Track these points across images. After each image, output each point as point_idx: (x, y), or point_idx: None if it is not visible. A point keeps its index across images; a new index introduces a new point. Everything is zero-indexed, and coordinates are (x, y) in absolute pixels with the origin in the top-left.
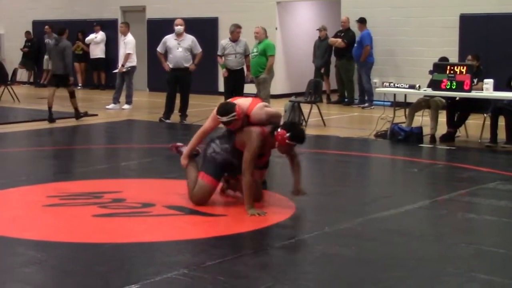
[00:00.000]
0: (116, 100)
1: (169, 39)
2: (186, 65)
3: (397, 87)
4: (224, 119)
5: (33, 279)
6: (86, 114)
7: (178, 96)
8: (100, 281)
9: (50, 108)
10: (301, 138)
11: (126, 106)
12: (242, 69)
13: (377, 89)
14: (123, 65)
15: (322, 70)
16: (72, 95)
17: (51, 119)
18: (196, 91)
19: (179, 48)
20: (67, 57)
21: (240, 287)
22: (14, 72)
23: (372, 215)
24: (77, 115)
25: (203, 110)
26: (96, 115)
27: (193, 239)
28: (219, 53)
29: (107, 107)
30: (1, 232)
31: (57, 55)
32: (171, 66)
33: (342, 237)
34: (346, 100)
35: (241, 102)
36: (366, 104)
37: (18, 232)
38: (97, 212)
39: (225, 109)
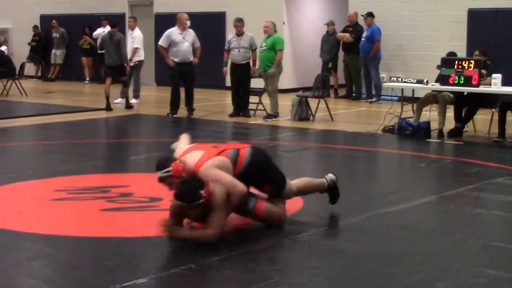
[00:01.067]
0: (123, 94)
1: (174, 33)
2: (191, 59)
3: (405, 82)
4: (158, 173)
5: (40, 273)
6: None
7: (182, 90)
8: (107, 275)
9: (107, 98)
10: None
11: (133, 101)
12: (248, 63)
13: (384, 83)
14: (130, 60)
15: (330, 65)
16: (124, 85)
17: (109, 109)
18: (203, 85)
19: (185, 42)
20: (122, 48)
21: (247, 281)
22: (22, 66)
23: (379, 210)
24: (128, 105)
25: (210, 104)
26: (104, 109)
27: None
28: (226, 47)
29: (115, 101)
30: (9, 226)
31: (113, 47)
32: (176, 60)
33: (350, 232)
34: (353, 94)
35: (189, 157)
36: (374, 99)
37: (25, 226)
38: (105, 207)
39: (160, 163)
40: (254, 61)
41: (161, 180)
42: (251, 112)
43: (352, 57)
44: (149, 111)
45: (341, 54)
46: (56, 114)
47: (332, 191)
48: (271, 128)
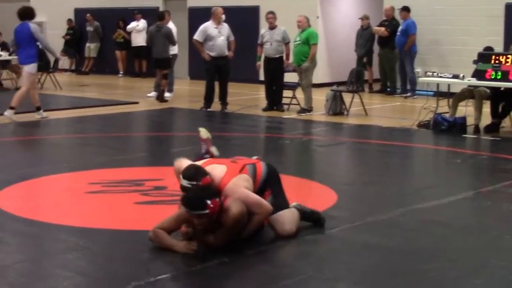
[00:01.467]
0: (157, 88)
1: (210, 28)
2: (227, 53)
3: (441, 76)
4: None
5: (74, 265)
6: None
7: (216, 85)
8: (141, 268)
9: (159, 88)
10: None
11: (167, 94)
12: (281, 57)
13: (420, 78)
14: None
15: (365, 59)
16: (165, 77)
17: (162, 100)
18: (237, 79)
19: (221, 36)
20: (171, 41)
21: (281, 276)
22: (56, 59)
23: (414, 206)
24: (162, 98)
25: (244, 98)
26: (137, 102)
27: None
28: (259, 41)
29: (149, 95)
30: (44, 218)
31: (161, 40)
32: (212, 54)
33: (384, 227)
34: (388, 89)
35: (214, 172)
36: (409, 94)
37: (61, 218)
38: (139, 200)
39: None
40: (288, 55)
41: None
42: (285, 107)
43: (387, 51)
44: (182, 105)
45: (376, 48)
46: (90, 107)
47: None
48: (305, 122)
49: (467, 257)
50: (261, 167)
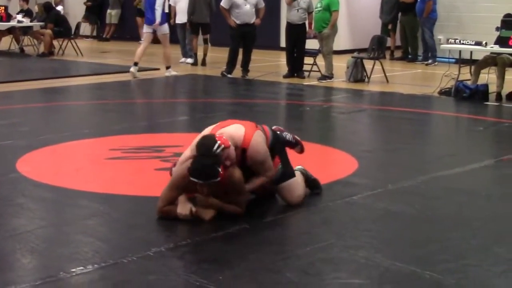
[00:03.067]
0: (187, 54)
1: None
2: (253, 20)
3: (463, 43)
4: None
5: (96, 231)
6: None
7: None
8: (161, 234)
9: (195, 54)
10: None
11: (189, 60)
12: (304, 24)
13: (442, 45)
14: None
15: (390, 26)
16: (205, 42)
17: (195, 63)
18: (258, 46)
19: (247, 4)
20: (213, 6)
21: (302, 243)
22: (78, 26)
23: (436, 173)
24: (204, 61)
25: (265, 65)
26: (158, 69)
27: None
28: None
29: (182, 60)
30: (65, 184)
31: (203, 5)
32: (238, 22)
33: (406, 195)
34: (409, 56)
35: (231, 131)
36: (430, 61)
37: (82, 184)
38: (159, 166)
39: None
40: (310, 24)
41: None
42: (306, 73)
43: (409, 18)
44: (203, 71)
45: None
46: (111, 74)
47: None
48: (326, 89)
49: (489, 225)
50: (268, 132)
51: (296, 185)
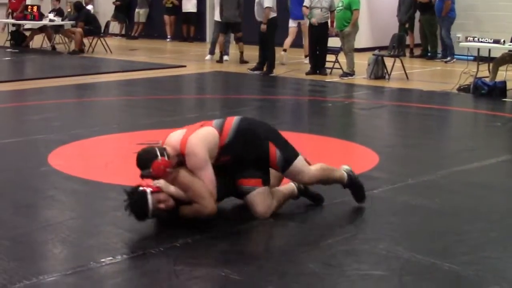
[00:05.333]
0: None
1: None
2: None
3: (481, 41)
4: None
5: (124, 223)
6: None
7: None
8: (188, 227)
9: (221, 52)
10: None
11: (225, 57)
12: (326, 23)
13: (461, 43)
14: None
15: (407, 25)
16: (240, 40)
17: (221, 61)
18: (280, 44)
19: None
20: (241, 5)
21: (324, 235)
22: (107, 24)
23: (455, 168)
24: (242, 59)
25: (288, 62)
26: (185, 66)
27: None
28: (305, 4)
29: (206, 58)
30: (95, 177)
31: (233, 3)
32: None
33: (425, 188)
34: (429, 54)
35: (173, 138)
36: (448, 58)
37: (111, 177)
38: None
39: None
40: (332, 22)
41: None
42: (328, 71)
43: (428, 17)
44: (230, 68)
45: (417, 13)
46: (139, 71)
47: (355, 187)
48: (347, 86)
49: (507, 218)
50: (232, 120)
51: (303, 166)
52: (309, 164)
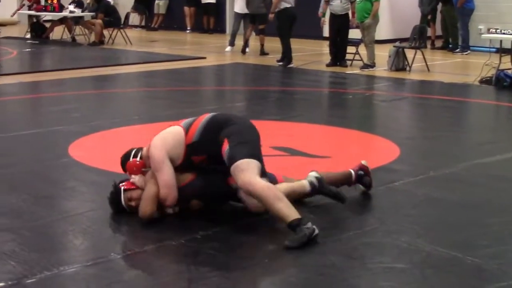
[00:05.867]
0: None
1: None
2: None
3: (504, 33)
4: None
5: None
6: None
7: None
8: (208, 219)
9: (245, 43)
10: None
11: (228, 48)
12: (347, 14)
13: (483, 35)
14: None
15: (429, 17)
16: (261, 32)
17: (244, 52)
18: (300, 35)
19: None
20: None
21: (345, 227)
22: (127, 16)
23: (476, 160)
24: (262, 51)
25: (308, 54)
26: (205, 58)
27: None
28: None
29: (226, 50)
30: (115, 168)
31: None
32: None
33: (447, 181)
34: (450, 46)
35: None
36: (458, 50)
37: None
38: None
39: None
40: (353, 13)
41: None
42: (348, 62)
43: (449, 8)
44: (249, 60)
45: (439, 5)
46: (159, 62)
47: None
48: (368, 78)
49: None
50: (203, 118)
51: (246, 170)
52: (291, 181)
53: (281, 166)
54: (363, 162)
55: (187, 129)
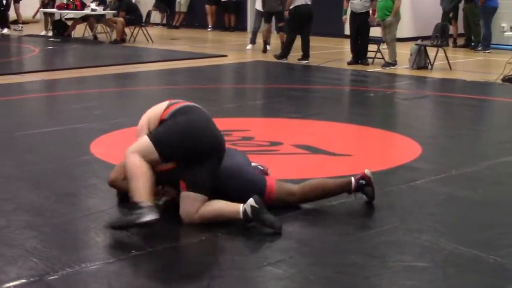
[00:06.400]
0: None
1: None
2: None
3: None
4: None
5: (166, 213)
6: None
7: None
8: None
9: (265, 41)
10: None
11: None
12: (367, 12)
13: (506, 33)
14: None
15: (451, 14)
16: (281, 30)
17: (265, 51)
18: (322, 33)
19: None
20: None
21: (366, 226)
22: (148, 14)
23: (499, 159)
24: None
25: (328, 52)
26: (226, 56)
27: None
28: None
29: (247, 47)
30: None
31: None
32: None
33: (469, 180)
34: (472, 44)
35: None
36: (480, 47)
37: None
38: None
39: None
40: (374, 11)
41: None
42: (370, 60)
43: (472, 5)
44: (270, 58)
45: (462, 2)
46: (180, 60)
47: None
48: (389, 76)
49: None
50: (171, 108)
51: (137, 144)
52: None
53: (302, 164)
54: (366, 171)
55: (168, 106)
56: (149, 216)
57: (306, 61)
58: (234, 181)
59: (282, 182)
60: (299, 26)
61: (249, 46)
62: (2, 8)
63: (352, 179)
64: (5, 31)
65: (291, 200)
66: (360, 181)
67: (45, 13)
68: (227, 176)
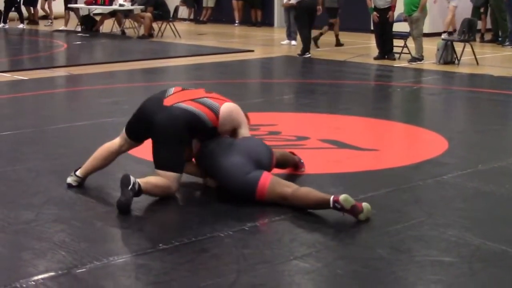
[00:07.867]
0: (290, 37)
1: None
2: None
3: None
4: None
5: (193, 206)
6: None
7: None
8: (256, 211)
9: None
10: None
11: (293, 42)
12: (390, 7)
13: None
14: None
15: (482, 10)
16: (330, 25)
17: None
18: (348, 29)
19: None
20: None
21: (393, 220)
22: (176, 9)
23: None
24: (338, 42)
25: (355, 47)
26: (253, 51)
27: (346, 172)
28: None
29: (282, 42)
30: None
31: None
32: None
33: (497, 175)
34: (499, 39)
35: None
36: (507, 43)
37: None
38: None
39: None
40: (393, 6)
41: None
42: (396, 55)
43: (498, 1)
44: (297, 53)
45: None
46: (208, 55)
47: None
48: (416, 71)
49: None
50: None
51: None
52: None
53: (329, 159)
54: (341, 197)
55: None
56: (123, 200)
57: (308, 54)
58: (228, 181)
59: (280, 183)
60: (308, 20)
61: (285, 42)
62: (16, 5)
63: (331, 199)
64: (21, 26)
65: (282, 203)
66: (335, 204)
67: (66, 9)
68: (222, 176)
